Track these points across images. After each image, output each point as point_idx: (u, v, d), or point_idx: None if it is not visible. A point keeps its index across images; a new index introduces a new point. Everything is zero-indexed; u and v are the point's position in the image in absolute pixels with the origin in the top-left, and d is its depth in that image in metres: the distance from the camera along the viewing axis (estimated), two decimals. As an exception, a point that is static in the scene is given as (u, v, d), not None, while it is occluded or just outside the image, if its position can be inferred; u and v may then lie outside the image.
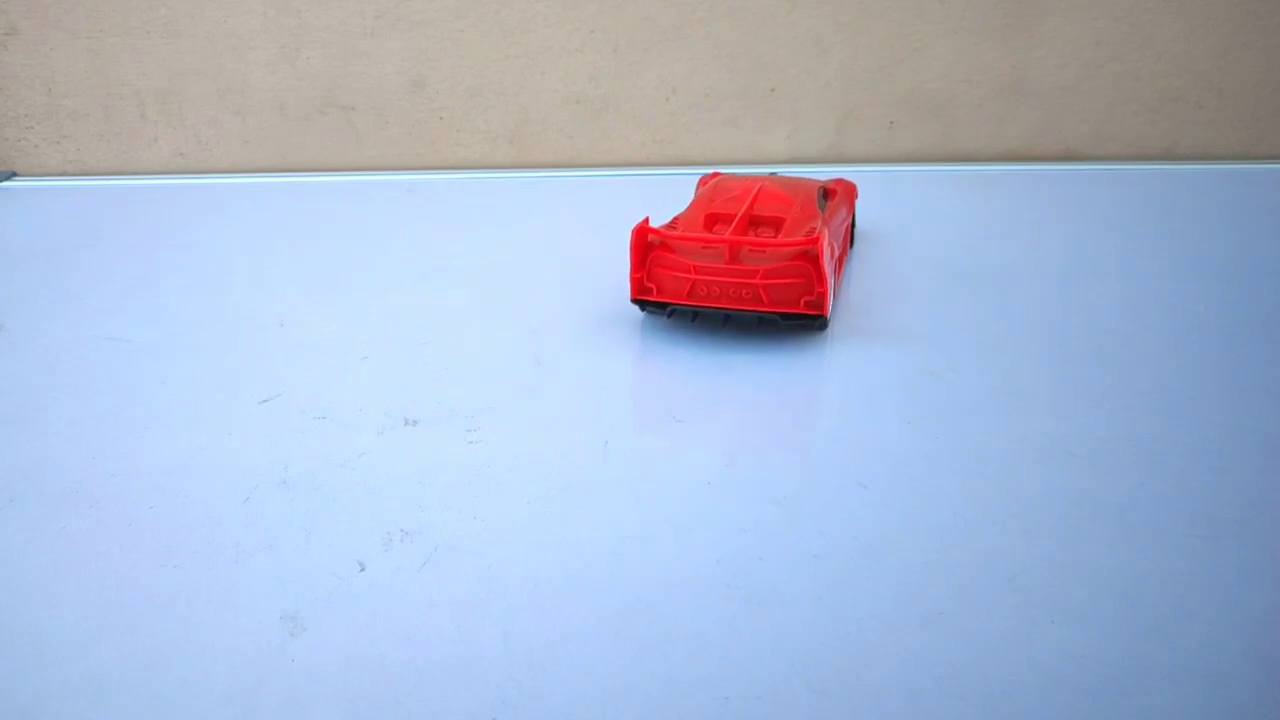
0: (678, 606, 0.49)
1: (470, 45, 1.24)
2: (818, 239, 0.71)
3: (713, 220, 0.79)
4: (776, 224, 0.78)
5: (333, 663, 0.46)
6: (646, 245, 0.75)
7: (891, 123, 1.27)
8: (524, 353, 0.75)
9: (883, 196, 1.08)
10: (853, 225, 0.92)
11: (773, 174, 0.92)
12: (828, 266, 0.72)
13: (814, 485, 0.59)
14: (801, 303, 0.72)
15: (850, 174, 1.01)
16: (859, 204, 0.96)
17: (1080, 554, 0.52)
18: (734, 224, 0.76)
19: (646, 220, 0.76)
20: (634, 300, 0.76)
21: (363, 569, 0.52)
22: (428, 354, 0.76)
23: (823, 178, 0.92)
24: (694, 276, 0.74)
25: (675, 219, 0.81)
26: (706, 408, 0.67)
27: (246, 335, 0.80)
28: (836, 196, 0.87)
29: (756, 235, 0.78)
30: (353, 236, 1.02)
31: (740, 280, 0.73)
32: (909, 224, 1.02)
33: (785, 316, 0.73)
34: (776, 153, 1.28)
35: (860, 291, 0.85)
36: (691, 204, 0.84)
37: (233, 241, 1.02)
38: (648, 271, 0.76)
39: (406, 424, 0.66)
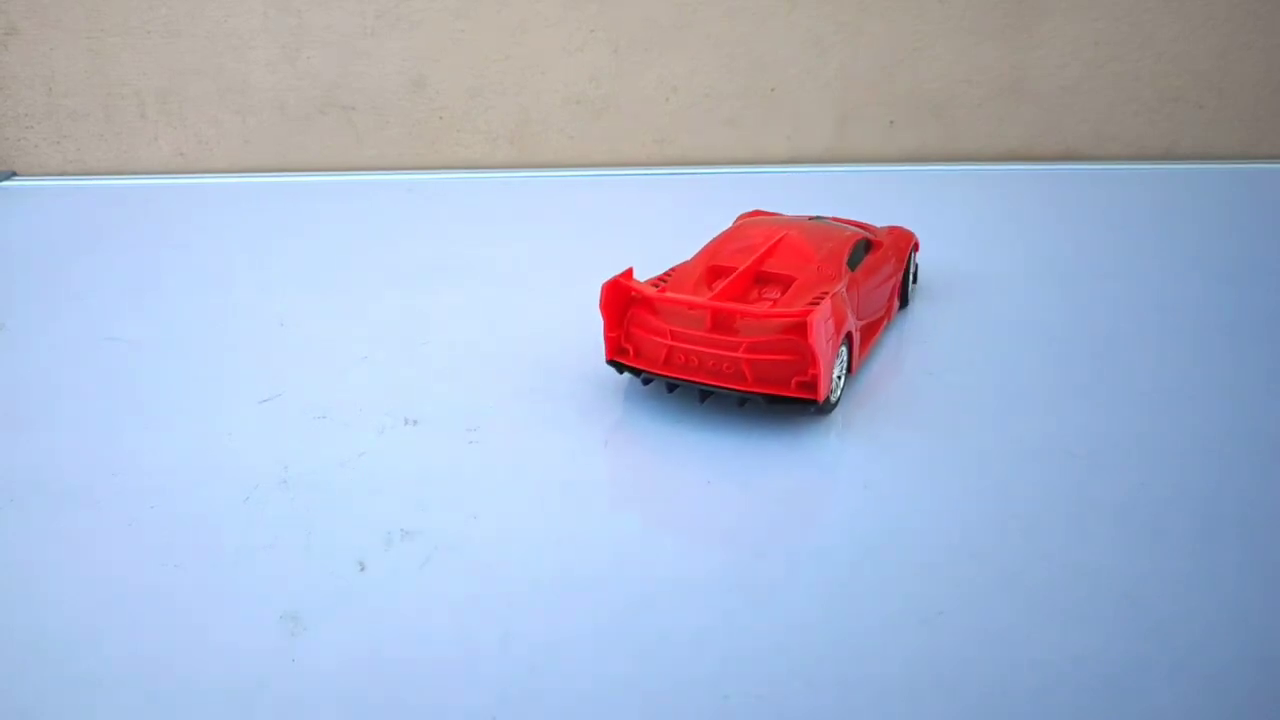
0: (678, 606, 0.49)
1: (470, 45, 1.24)
2: (811, 312, 0.59)
3: (715, 274, 0.69)
4: (785, 284, 0.67)
5: (333, 663, 0.46)
6: (624, 300, 0.66)
7: (891, 123, 1.27)
8: (524, 352, 0.75)
9: (883, 196, 1.09)
10: (905, 283, 0.80)
11: (816, 217, 0.81)
12: (822, 344, 0.60)
13: (815, 485, 0.59)
14: (793, 383, 0.61)
15: (850, 174, 1.01)
16: (922, 255, 0.86)
17: (1080, 554, 0.52)
18: (728, 282, 0.66)
19: (629, 271, 0.66)
20: (609, 361, 0.67)
21: (363, 569, 0.52)
22: (428, 354, 0.76)
23: (880, 224, 0.84)
24: (670, 343, 0.63)
25: (674, 269, 0.71)
26: (706, 406, 0.67)
27: (246, 335, 0.80)
28: (880, 250, 0.76)
29: (759, 296, 0.67)
30: (353, 236, 1.02)
31: (720, 352, 0.62)
32: (909, 224, 1.02)
33: (772, 399, 0.62)
34: (777, 153, 1.28)
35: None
36: (703, 249, 0.73)
37: (233, 241, 1.02)
38: (626, 330, 0.66)
39: (406, 424, 0.66)
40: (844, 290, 0.66)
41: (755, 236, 0.72)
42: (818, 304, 0.61)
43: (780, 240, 0.70)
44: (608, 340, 0.66)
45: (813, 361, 0.60)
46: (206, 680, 0.45)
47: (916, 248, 0.83)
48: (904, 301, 0.81)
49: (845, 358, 0.65)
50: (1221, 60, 1.24)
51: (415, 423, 0.66)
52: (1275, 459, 0.60)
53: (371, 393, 0.70)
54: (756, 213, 0.88)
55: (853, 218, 0.84)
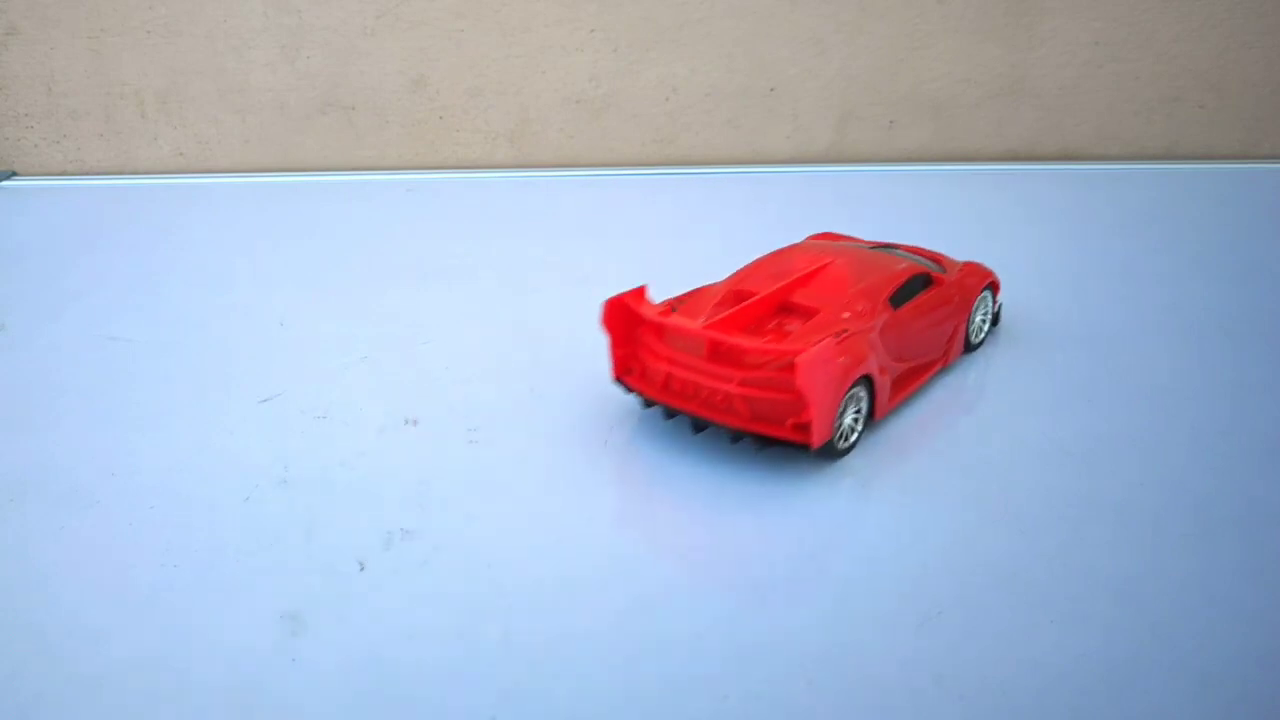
0: (677, 606, 0.49)
1: (470, 45, 1.24)
2: (803, 351, 0.54)
3: (737, 298, 0.64)
4: (808, 316, 0.62)
5: (333, 663, 0.46)
6: (631, 318, 0.63)
7: (891, 123, 1.27)
8: (524, 352, 0.75)
9: (883, 196, 1.09)
10: (969, 329, 0.72)
11: (887, 246, 0.75)
12: (815, 387, 0.55)
13: (814, 486, 0.59)
14: (788, 424, 0.57)
15: (850, 174, 1.00)
16: (1005, 295, 0.78)
17: (1080, 554, 0.52)
18: (741, 307, 0.62)
19: (639, 291, 0.63)
20: (616, 380, 0.65)
21: (363, 569, 0.52)
22: (428, 354, 0.76)
23: (961, 258, 0.76)
24: (668, 369, 0.61)
25: (701, 289, 0.67)
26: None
27: (246, 335, 0.80)
28: (940, 288, 0.68)
29: (777, 327, 0.62)
30: (353, 236, 1.02)
31: (715, 383, 0.59)
32: (909, 224, 1.02)
33: (763, 439, 0.58)
34: (777, 152, 1.28)
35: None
36: (742, 268, 0.69)
37: (233, 241, 1.02)
38: (633, 349, 0.64)
39: (406, 424, 0.66)
40: (876, 329, 0.61)
41: (797, 261, 0.68)
42: (821, 342, 0.57)
43: (821, 269, 0.66)
44: (614, 357, 0.64)
45: (805, 405, 0.56)
46: (206, 679, 0.45)
47: (996, 288, 0.75)
48: (969, 345, 0.73)
49: (865, 401, 0.61)
50: (1221, 60, 1.24)
51: (415, 423, 0.66)
52: (1274, 459, 0.60)
53: (371, 393, 0.70)
54: (827, 235, 0.83)
55: (928, 247, 0.78)
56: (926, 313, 0.67)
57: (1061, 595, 0.49)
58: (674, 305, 0.65)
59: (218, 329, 0.81)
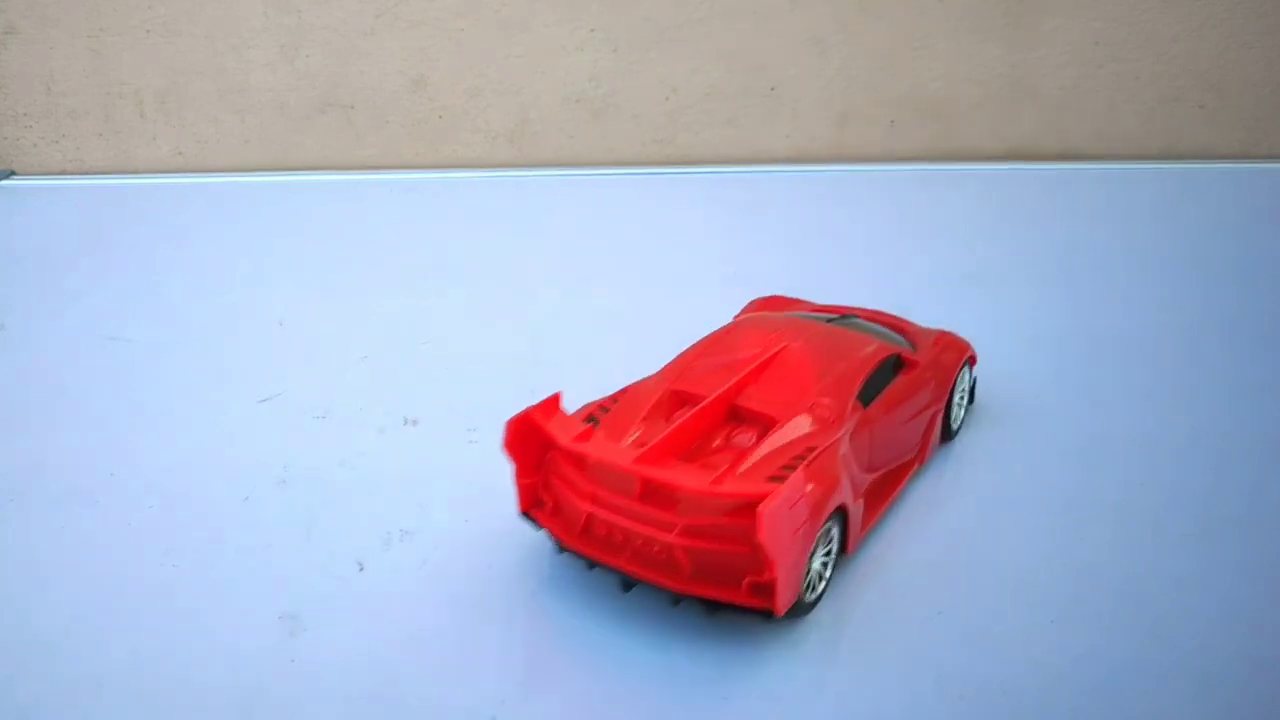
0: (676, 606, 0.49)
1: (470, 45, 1.24)
2: (768, 496, 0.42)
3: (677, 402, 0.52)
4: (764, 426, 0.50)
5: (333, 663, 0.46)
6: (541, 440, 0.50)
7: (892, 122, 1.27)
8: (524, 352, 0.75)
9: (883, 196, 1.08)
10: (949, 412, 0.60)
11: (843, 318, 0.64)
12: (780, 542, 0.42)
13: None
14: (744, 584, 0.44)
15: (850, 174, 0.99)
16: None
17: (1080, 554, 0.52)
18: (682, 421, 0.49)
19: (552, 401, 0.50)
20: (522, 514, 0.51)
21: (362, 569, 0.52)
22: (428, 354, 0.76)
23: (929, 324, 0.65)
24: (589, 507, 0.47)
25: (630, 387, 0.54)
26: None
27: (246, 335, 0.80)
28: (914, 371, 0.57)
29: (725, 442, 0.50)
30: (353, 236, 1.02)
31: (649, 530, 0.46)
32: (909, 224, 1.02)
33: (712, 604, 0.45)
34: (777, 152, 1.28)
35: (859, 285, 0.85)
36: (680, 355, 0.56)
37: (232, 241, 1.02)
38: (544, 477, 0.51)
39: (406, 424, 0.66)
40: (846, 438, 0.50)
41: (746, 344, 0.55)
42: (785, 478, 0.44)
43: (775, 357, 0.54)
44: (519, 487, 0.50)
45: (767, 563, 0.43)
46: (206, 680, 0.45)
47: (973, 362, 0.64)
48: (947, 433, 0.61)
49: (835, 540, 0.48)
50: (1221, 60, 1.23)
51: (415, 423, 0.66)
52: (1274, 459, 0.60)
53: (371, 393, 0.70)
54: (771, 301, 0.70)
55: (891, 311, 0.67)
56: (900, 405, 0.55)
57: (1062, 595, 0.49)
58: (601, 409, 0.52)
59: (218, 329, 0.81)
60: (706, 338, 0.58)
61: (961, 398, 0.63)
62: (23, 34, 1.23)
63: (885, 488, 0.55)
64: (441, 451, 0.62)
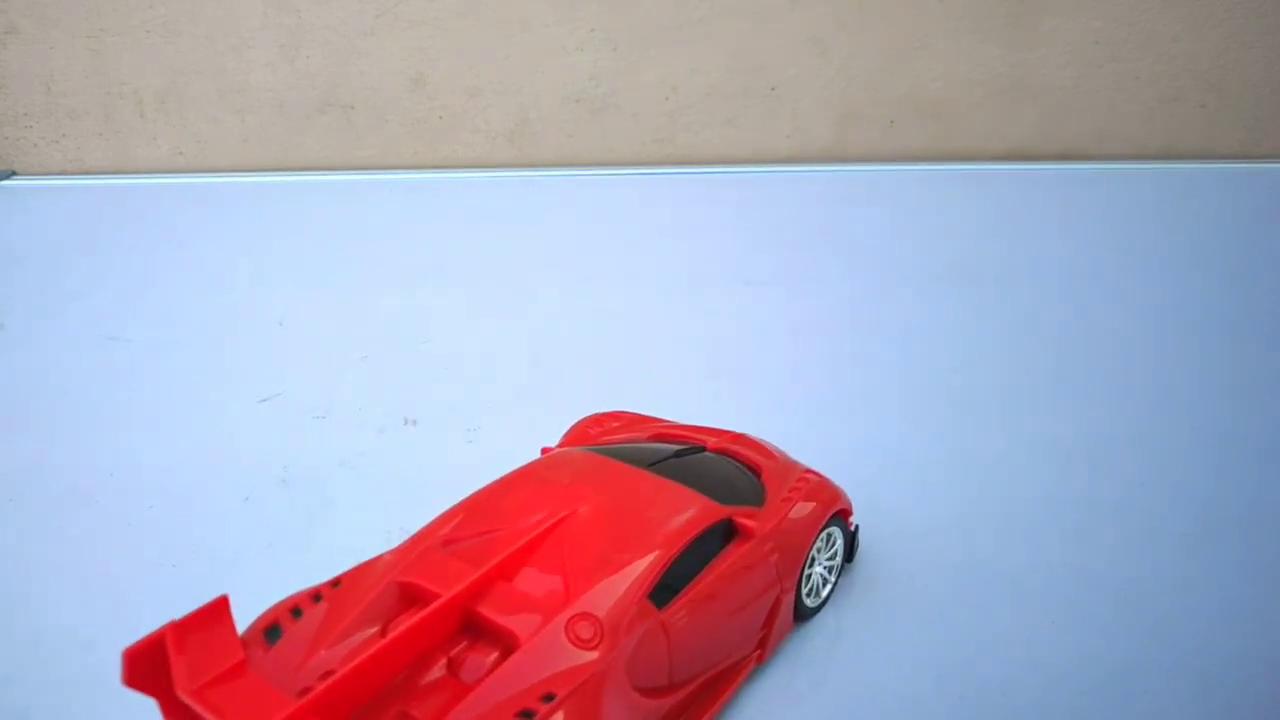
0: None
1: (470, 44, 1.24)
2: None
3: (406, 600, 0.38)
4: (506, 645, 0.36)
5: (333, 663, 0.46)
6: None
7: (892, 122, 1.27)
8: (523, 352, 0.75)
9: (883, 196, 1.08)
10: (799, 593, 0.46)
11: (691, 448, 0.49)
12: None
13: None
14: None
15: (850, 173, 0.99)
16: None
17: (1080, 554, 0.52)
18: (392, 639, 0.34)
19: (217, 604, 0.35)
20: None
21: (363, 569, 0.52)
22: (427, 354, 0.76)
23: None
24: None
25: (354, 570, 0.40)
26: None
27: (246, 335, 0.80)
28: (750, 545, 0.43)
29: (454, 667, 0.36)
30: (352, 236, 1.02)
31: None
32: (909, 224, 1.02)
33: None
34: (777, 152, 1.28)
35: (859, 286, 0.85)
36: (433, 521, 0.43)
37: (232, 241, 1.02)
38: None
39: (406, 424, 0.66)
40: (622, 659, 0.36)
41: (531, 506, 0.41)
42: None
43: (553, 529, 0.40)
44: None
45: None
46: (206, 680, 0.45)
47: (846, 515, 0.49)
48: (801, 614, 0.47)
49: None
50: (1221, 60, 1.24)
51: (415, 423, 0.66)
52: (1274, 459, 0.60)
53: (371, 393, 0.70)
54: (611, 417, 0.56)
55: (764, 440, 0.52)
56: (725, 591, 0.41)
57: (1062, 596, 0.49)
58: (314, 598, 0.38)
59: (218, 329, 0.81)
60: (496, 482, 0.45)
61: (830, 565, 0.48)
62: (23, 34, 1.23)
63: (703, 702, 0.41)
64: (441, 451, 0.62)
